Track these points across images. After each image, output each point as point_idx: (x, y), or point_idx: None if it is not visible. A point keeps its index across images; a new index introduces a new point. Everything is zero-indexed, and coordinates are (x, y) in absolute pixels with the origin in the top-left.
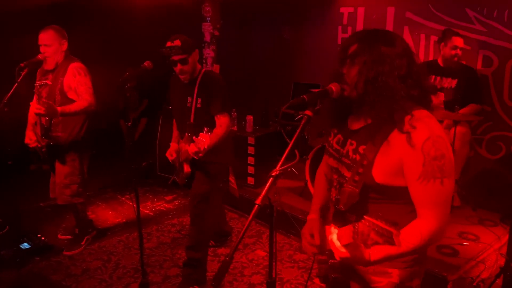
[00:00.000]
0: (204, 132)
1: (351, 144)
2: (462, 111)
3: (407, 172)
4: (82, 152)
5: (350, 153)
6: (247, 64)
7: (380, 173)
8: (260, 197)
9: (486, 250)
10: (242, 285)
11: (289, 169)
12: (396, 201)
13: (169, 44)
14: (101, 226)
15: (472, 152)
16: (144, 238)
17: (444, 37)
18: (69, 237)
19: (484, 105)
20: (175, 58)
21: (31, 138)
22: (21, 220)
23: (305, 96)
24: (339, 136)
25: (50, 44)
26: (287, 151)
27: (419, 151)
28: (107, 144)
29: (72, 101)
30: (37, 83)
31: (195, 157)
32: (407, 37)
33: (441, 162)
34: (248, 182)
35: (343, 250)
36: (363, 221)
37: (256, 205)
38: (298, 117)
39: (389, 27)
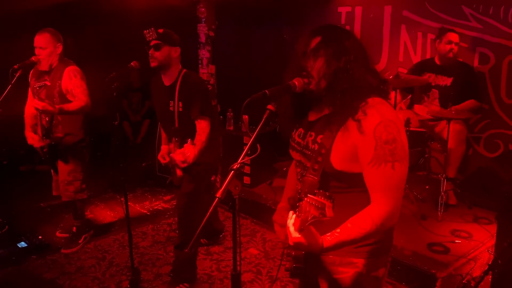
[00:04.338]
0: (188, 143)
1: (311, 135)
2: (458, 106)
3: (360, 157)
4: (82, 150)
5: (310, 144)
6: (244, 65)
7: (338, 160)
8: (221, 190)
9: (478, 247)
10: None
11: (284, 169)
12: (356, 189)
13: (148, 29)
14: (98, 226)
15: (470, 150)
16: (139, 237)
17: (440, 34)
18: (67, 235)
19: (482, 103)
20: (151, 42)
21: (33, 137)
22: (20, 220)
23: (266, 91)
24: (300, 129)
25: (45, 47)
26: (249, 145)
27: (371, 135)
28: (109, 145)
29: (70, 102)
30: (36, 85)
31: (181, 166)
32: (404, 35)
33: (392, 146)
34: (245, 182)
35: (297, 235)
36: (305, 199)
37: (217, 198)
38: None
39: (387, 25)
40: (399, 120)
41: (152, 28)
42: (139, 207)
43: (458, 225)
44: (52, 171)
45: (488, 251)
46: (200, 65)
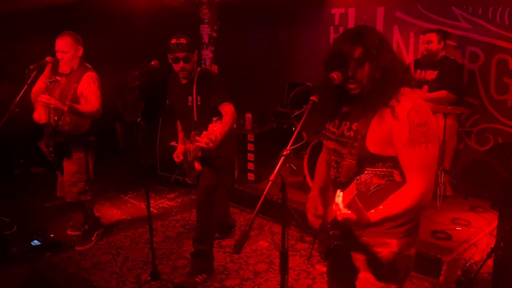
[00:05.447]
0: (213, 121)
1: (345, 124)
2: (431, 94)
3: (395, 140)
4: (88, 151)
5: (345, 132)
6: (244, 65)
7: (373, 144)
8: (273, 174)
9: (477, 234)
10: (248, 273)
11: (287, 165)
12: None
13: (174, 41)
14: (107, 223)
15: (462, 144)
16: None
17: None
18: (78, 233)
19: (456, 95)
20: (180, 55)
21: (40, 115)
22: (28, 220)
23: (309, 84)
24: (335, 120)
25: (67, 50)
26: (295, 133)
27: (404, 120)
28: (108, 145)
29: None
30: (47, 80)
31: (206, 147)
32: (396, 36)
33: (425, 129)
34: (249, 178)
35: (346, 211)
36: (365, 172)
37: (270, 181)
38: (293, 115)
39: (379, 26)
40: (427, 106)
41: (181, 41)
42: (145, 205)
43: (457, 214)
44: (57, 172)
45: (491, 234)
46: (203, 65)
